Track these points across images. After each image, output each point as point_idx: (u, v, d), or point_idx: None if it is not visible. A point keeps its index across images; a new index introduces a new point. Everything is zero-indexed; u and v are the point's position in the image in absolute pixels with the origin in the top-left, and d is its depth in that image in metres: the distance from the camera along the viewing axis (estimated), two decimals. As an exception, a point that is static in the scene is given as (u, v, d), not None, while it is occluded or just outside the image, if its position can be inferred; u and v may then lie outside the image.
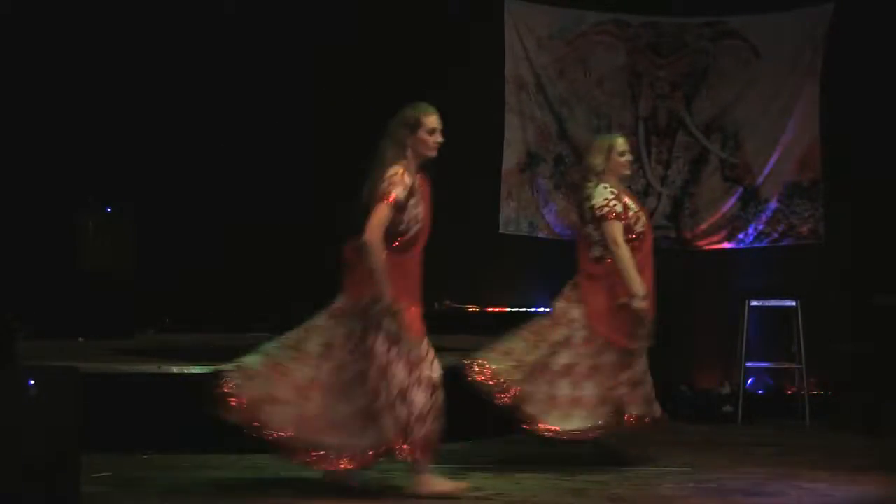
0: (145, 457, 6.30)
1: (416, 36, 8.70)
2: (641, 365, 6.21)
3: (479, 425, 6.76)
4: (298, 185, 8.85)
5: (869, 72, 8.36)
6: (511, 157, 8.81)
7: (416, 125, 5.30)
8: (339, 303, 5.38)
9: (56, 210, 8.45)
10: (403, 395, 5.19)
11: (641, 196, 8.73)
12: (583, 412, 6.08)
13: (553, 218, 8.89)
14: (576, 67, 8.81)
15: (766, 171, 8.72)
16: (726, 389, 8.31)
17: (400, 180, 5.19)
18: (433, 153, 5.34)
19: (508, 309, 8.68)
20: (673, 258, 8.68)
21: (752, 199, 8.73)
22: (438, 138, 5.34)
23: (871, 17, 8.31)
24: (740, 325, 8.20)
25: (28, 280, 8.09)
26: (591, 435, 6.14)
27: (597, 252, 6.17)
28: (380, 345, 5.22)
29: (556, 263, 8.68)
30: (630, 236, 6.11)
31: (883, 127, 8.36)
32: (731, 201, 8.75)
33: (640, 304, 5.99)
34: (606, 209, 6.09)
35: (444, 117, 8.49)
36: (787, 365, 8.29)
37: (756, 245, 8.72)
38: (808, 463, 6.32)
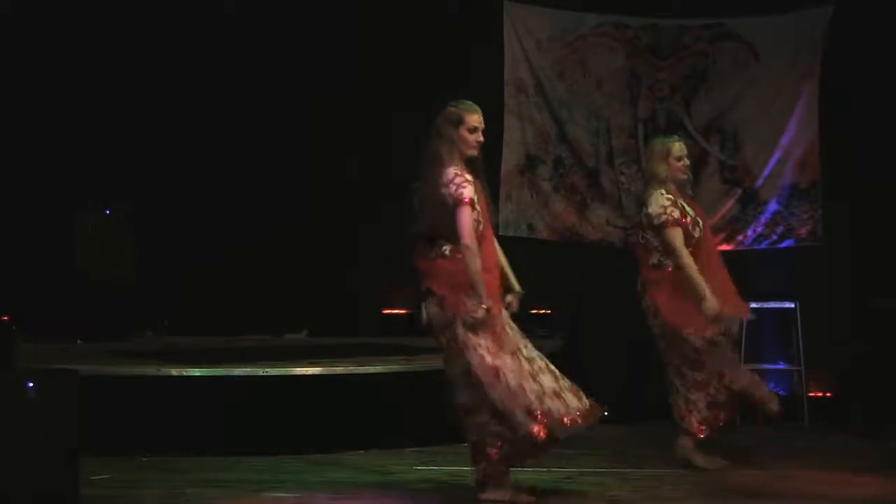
0: (144, 459, 6.30)
1: (416, 37, 8.67)
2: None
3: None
4: (298, 187, 8.84)
5: (868, 74, 8.30)
6: (510, 159, 8.76)
7: (458, 122, 5.23)
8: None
9: (55, 212, 8.42)
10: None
11: (641, 198, 8.69)
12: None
13: (552, 220, 8.86)
14: (575, 69, 8.75)
15: (765, 173, 8.65)
16: (725, 391, 8.26)
17: (463, 180, 5.16)
18: (473, 152, 5.26)
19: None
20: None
21: (751, 201, 8.67)
22: (479, 137, 5.27)
23: (870, 19, 8.25)
24: (739, 327, 8.15)
25: (27, 282, 8.08)
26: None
27: (655, 259, 6.16)
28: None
29: (555, 266, 8.70)
30: (689, 243, 6.09)
31: (882, 129, 8.30)
32: (730, 203, 8.68)
33: (710, 307, 5.96)
34: (664, 216, 6.07)
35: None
36: (786, 367, 8.25)
37: (755, 247, 8.65)
38: (807, 464, 6.30)
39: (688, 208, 6.21)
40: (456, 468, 6.01)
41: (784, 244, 8.64)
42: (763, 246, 8.66)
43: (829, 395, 8.32)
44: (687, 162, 6.30)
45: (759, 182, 8.68)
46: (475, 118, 5.25)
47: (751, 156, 8.69)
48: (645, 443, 6.90)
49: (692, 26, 8.71)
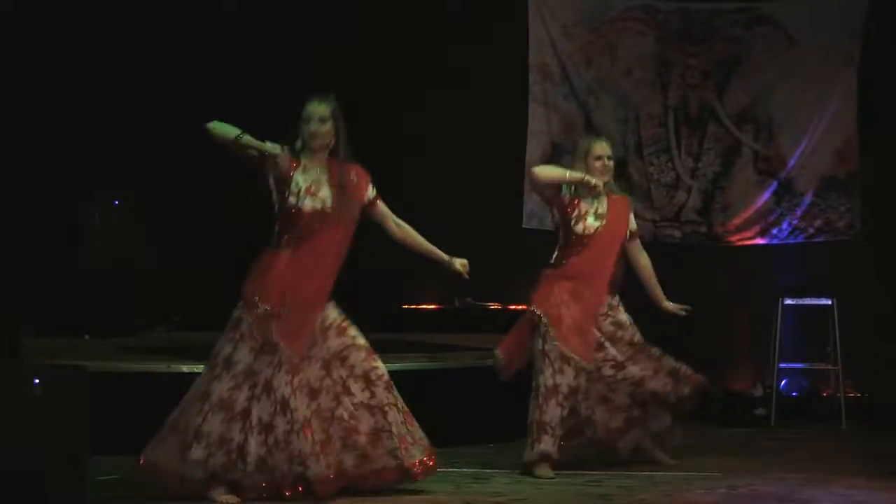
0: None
1: (439, 23, 8.59)
2: None
3: (501, 428, 6.58)
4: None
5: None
6: (535, 149, 8.68)
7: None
8: None
9: (63, 203, 8.35)
10: None
11: (671, 189, 8.55)
12: None
13: (578, 212, 8.71)
14: (602, 55, 8.66)
15: (800, 164, 8.55)
16: (759, 391, 8.20)
17: None
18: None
19: (531, 307, 8.52)
20: (704, 254, 8.58)
21: (786, 193, 8.57)
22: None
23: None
24: (774, 325, 8.07)
25: (33, 276, 8.00)
26: None
27: None
28: None
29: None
30: None
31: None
32: (765, 195, 8.58)
33: None
34: None
35: (467, 108, 8.42)
36: (822, 366, 8.16)
37: (790, 241, 8.56)
38: (843, 468, 6.20)
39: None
40: (478, 470, 5.94)
41: (821, 238, 8.56)
42: (799, 240, 8.57)
43: (867, 395, 8.20)
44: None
45: (795, 173, 8.55)
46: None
47: (786, 146, 8.60)
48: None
49: (726, 10, 8.62)
